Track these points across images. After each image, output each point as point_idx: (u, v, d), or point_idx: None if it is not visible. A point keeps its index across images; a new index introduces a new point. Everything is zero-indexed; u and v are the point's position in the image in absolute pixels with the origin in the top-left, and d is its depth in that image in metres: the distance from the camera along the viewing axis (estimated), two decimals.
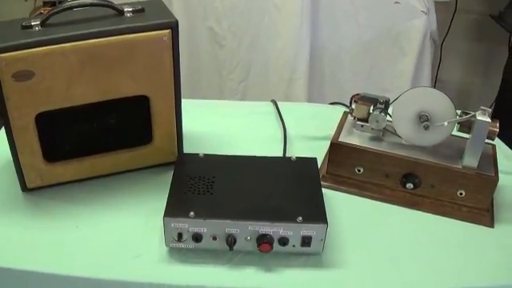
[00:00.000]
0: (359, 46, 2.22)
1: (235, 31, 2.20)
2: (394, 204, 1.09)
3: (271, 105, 1.40)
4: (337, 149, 1.10)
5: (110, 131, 1.07)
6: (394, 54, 2.25)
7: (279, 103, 1.38)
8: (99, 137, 1.06)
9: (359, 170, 1.11)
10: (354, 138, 1.12)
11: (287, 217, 0.93)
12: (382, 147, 1.09)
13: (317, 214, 0.94)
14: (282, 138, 1.24)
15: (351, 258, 0.96)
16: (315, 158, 1.08)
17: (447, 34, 2.61)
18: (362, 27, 2.19)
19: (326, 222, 0.92)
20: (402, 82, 2.23)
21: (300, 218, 0.92)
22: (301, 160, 1.08)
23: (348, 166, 1.10)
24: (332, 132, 1.13)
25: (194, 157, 1.08)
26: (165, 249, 0.95)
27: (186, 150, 1.13)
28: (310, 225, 0.92)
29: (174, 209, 0.94)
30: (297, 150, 1.20)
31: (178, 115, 1.08)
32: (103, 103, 0.99)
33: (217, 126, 1.30)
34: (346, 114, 1.22)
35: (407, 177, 1.07)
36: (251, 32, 2.19)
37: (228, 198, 0.97)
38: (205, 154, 1.08)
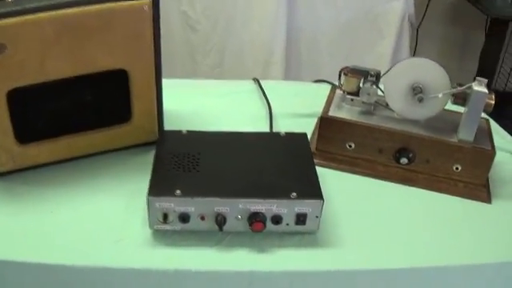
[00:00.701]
0: (337, 28, 2.17)
1: (209, 15, 2.14)
2: (387, 180, 1.05)
3: (253, 83, 1.35)
4: (327, 124, 1.05)
5: (86, 109, 1.00)
6: (373, 36, 2.22)
7: (262, 81, 1.33)
8: (75, 115, 1.00)
9: (350, 146, 1.06)
10: (344, 113, 1.07)
11: (280, 193, 0.87)
12: (373, 121, 1.05)
13: (311, 189, 0.88)
14: (267, 116, 1.19)
15: (347, 236, 0.91)
16: (305, 133, 1.03)
17: (423, 17, 2.58)
18: (339, 9, 2.15)
19: (322, 198, 0.87)
20: (381, 65, 2.18)
21: (294, 194, 0.86)
22: (290, 135, 1.02)
23: (338, 141, 1.06)
24: (319, 109, 1.08)
25: (177, 133, 1.01)
26: (148, 232, 0.89)
27: (168, 129, 1.08)
28: (305, 201, 0.86)
29: (158, 187, 0.87)
30: (283, 128, 1.14)
31: (158, 91, 1.02)
32: (79, 78, 0.93)
33: (198, 104, 1.24)
34: (334, 88, 1.17)
35: (401, 152, 1.03)
36: (226, 15, 2.13)
37: (216, 174, 0.91)
38: (188, 131, 1.01)
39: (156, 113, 1.04)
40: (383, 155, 1.04)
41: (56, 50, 0.91)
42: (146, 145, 1.06)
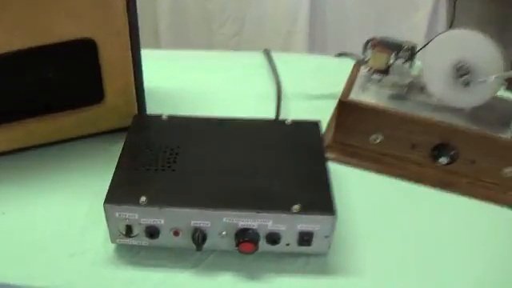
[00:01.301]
0: None
1: None
2: (421, 184, 0.85)
3: (263, 56, 1.14)
4: (347, 109, 0.86)
5: (47, 87, 0.84)
6: (406, 7, 1.99)
7: (274, 54, 1.13)
8: (35, 95, 0.83)
9: (376, 139, 0.86)
10: (370, 96, 0.87)
11: (279, 204, 0.67)
12: (406, 108, 0.84)
13: (321, 200, 0.68)
14: (276, 97, 0.95)
15: (367, 261, 0.72)
16: (317, 122, 0.81)
17: None
18: None
19: (334, 213, 0.65)
20: (416, 37, 1.95)
21: (296, 207, 0.65)
22: (298, 124, 0.81)
23: (362, 132, 0.86)
24: (339, 89, 0.88)
25: (155, 119, 0.81)
26: (111, 246, 0.72)
27: (153, 111, 0.89)
28: (312, 216, 0.66)
29: (119, 192, 0.68)
30: (294, 112, 0.96)
31: (136, 65, 0.84)
32: (36, 51, 0.77)
33: (192, 81, 1.06)
34: (358, 64, 0.95)
35: (440, 148, 0.83)
36: None
37: (196, 176, 0.71)
38: (169, 116, 0.80)
39: (134, 91, 0.87)
40: (417, 152, 0.85)
41: (3, 17, 0.74)
42: (123, 130, 0.85)
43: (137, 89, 0.86)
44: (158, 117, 0.81)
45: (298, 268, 0.70)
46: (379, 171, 0.86)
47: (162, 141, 0.76)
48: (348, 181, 0.83)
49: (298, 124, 0.81)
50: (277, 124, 0.84)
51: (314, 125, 0.81)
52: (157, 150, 0.75)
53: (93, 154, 0.87)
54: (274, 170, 0.72)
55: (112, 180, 0.69)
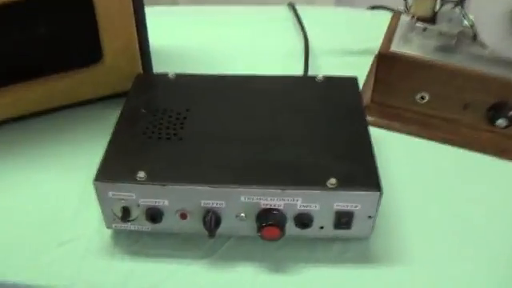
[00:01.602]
0: None
1: None
2: (475, 150, 0.74)
3: (287, 10, 1.03)
4: (388, 63, 0.74)
5: (37, 46, 0.73)
6: None
7: (299, 7, 1.02)
8: (23, 56, 0.73)
9: (423, 98, 0.75)
10: (413, 48, 0.74)
11: (310, 178, 0.54)
12: (456, 62, 0.72)
13: (362, 172, 0.55)
14: (302, 53, 0.82)
15: (414, 245, 0.60)
16: (355, 77, 0.68)
17: None
18: None
19: (379, 188, 0.52)
20: None
21: (333, 182, 0.53)
22: (332, 80, 0.68)
23: (405, 91, 0.75)
24: (374, 44, 0.77)
25: (160, 78, 0.69)
26: (106, 232, 0.60)
27: (159, 72, 0.76)
28: (352, 193, 0.53)
29: (113, 167, 0.56)
30: (324, 70, 0.83)
31: (139, 20, 0.73)
32: (24, 3, 0.67)
33: (212, 38, 0.94)
34: (397, 13, 0.83)
35: (496, 108, 0.72)
36: None
37: (208, 145, 0.58)
38: (177, 74, 0.68)
39: (137, 49, 0.75)
40: (470, 113, 0.74)
41: None
42: (124, 95, 0.73)
43: (141, 47, 0.75)
44: (164, 76, 0.69)
45: (334, 256, 0.58)
46: (425, 136, 0.75)
47: (168, 103, 0.64)
48: (389, 148, 0.69)
49: (331, 81, 0.68)
50: (306, 81, 0.71)
51: (351, 81, 0.68)
52: (161, 114, 0.62)
53: (89, 123, 0.75)
54: (304, 136, 0.59)
55: (105, 152, 0.57)
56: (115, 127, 0.61)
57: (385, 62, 0.74)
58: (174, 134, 0.59)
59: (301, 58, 0.86)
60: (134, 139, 0.59)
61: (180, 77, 0.68)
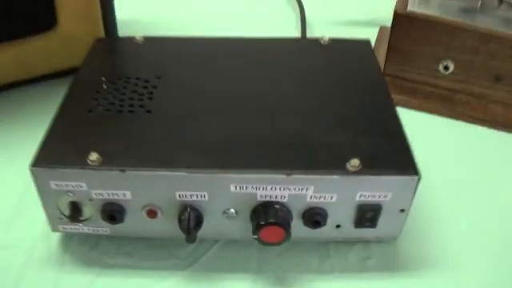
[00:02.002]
0: None
1: None
2: (508, 132, 0.63)
3: None
4: (405, 25, 0.62)
5: None
6: None
7: None
8: None
9: (447, 68, 0.63)
10: (434, 8, 0.64)
11: (325, 159, 0.40)
12: (484, 23, 0.61)
13: (392, 151, 0.42)
14: (296, 24, 0.69)
15: (447, 248, 0.47)
16: (368, 40, 0.54)
17: None
18: None
19: (417, 171, 0.39)
20: None
21: (355, 163, 0.38)
22: (340, 43, 0.54)
23: (426, 59, 0.63)
24: (379, 15, 0.73)
25: (126, 42, 0.55)
26: (54, 237, 0.47)
27: None
28: (381, 178, 0.39)
29: (56, 148, 0.41)
30: None
31: None
32: None
33: (185, 5, 0.81)
34: None
35: None
36: None
37: (185, 120, 0.44)
38: (146, 37, 0.53)
39: (99, 13, 0.64)
40: (503, 86, 0.63)
41: None
42: None
43: (103, 10, 0.64)
44: (130, 39, 0.55)
45: (352, 264, 0.45)
46: (449, 114, 0.64)
47: (134, 70, 0.50)
48: (406, 129, 0.55)
49: (339, 43, 0.54)
50: (308, 44, 0.57)
51: (364, 44, 0.55)
52: (124, 82, 0.48)
53: (40, 103, 0.62)
54: (313, 107, 0.46)
55: (48, 130, 0.43)
56: (64, 99, 0.47)
57: (401, 24, 0.63)
58: (141, 106, 0.45)
59: (294, 29, 0.72)
60: (87, 114, 0.44)
61: (150, 40, 0.54)
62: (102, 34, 0.65)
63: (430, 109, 0.64)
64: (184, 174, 0.39)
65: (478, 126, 0.62)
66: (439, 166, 0.54)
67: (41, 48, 0.63)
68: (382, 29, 0.74)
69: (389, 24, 0.73)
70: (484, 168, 0.56)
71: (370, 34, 0.69)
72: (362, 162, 0.39)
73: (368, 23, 0.77)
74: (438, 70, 0.63)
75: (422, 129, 0.59)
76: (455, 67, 0.62)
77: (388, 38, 0.66)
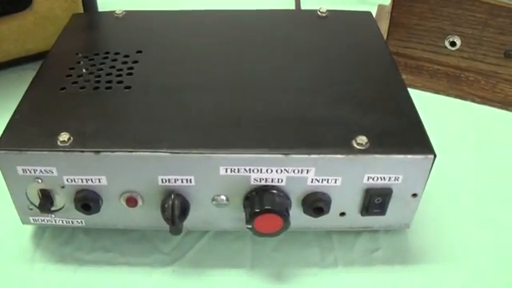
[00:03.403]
0: None
1: None
2: None
3: None
4: None
5: None
6: None
7: None
8: None
9: (453, 44, 0.59)
10: None
11: (328, 137, 0.35)
12: None
13: (404, 127, 0.37)
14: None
15: (459, 238, 0.42)
16: (369, 13, 0.49)
17: None
18: None
19: (432, 150, 0.34)
20: None
21: (362, 140, 0.34)
22: (339, 14, 0.49)
23: (431, 34, 0.59)
24: None
25: (105, 16, 0.49)
26: (25, 230, 0.42)
27: None
28: (392, 156, 0.34)
29: (23, 129, 0.36)
30: None
31: None
32: None
33: None
34: None
35: None
36: None
37: (168, 96, 0.39)
38: (127, 11, 0.48)
39: None
40: None
41: None
42: None
43: None
44: (110, 14, 0.50)
45: (357, 257, 0.40)
46: (456, 94, 0.60)
47: (113, 45, 0.45)
48: None
49: (338, 15, 0.49)
50: (304, 15, 0.51)
51: (365, 16, 0.50)
52: (102, 58, 0.43)
53: (15, 89, 0.55)
54: (313, 81, 0.41)
55: (16, 110, 0.37)
56: (34, 77, 0.42)
57: None
58: (119, 82, 0.40)
59: (286, 2, 0.67)
60: (59, 92, 0.39)
61: (131, 14, 0.50)
62: (80, 11, 0.60)
63: (435, 88, 0.60)
64: (167, 154, 0.34)
65: (487, 107, 0.59)
66: (447, 149, 0.49)
67: (15, 29, 0.59)
68: (380, 7, 0.70)
69: (386, 2, 0.68)
70: (494, 151, 0.51)
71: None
72: (370, 139, 0.34)
73: (364, 1, 0.72)
74: (444, 47, 0.59)
75: (426, 110, 0.53)
76: (462, 43, 0.58)
77: (387, 16, 0.62)
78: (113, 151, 0.34)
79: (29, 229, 0.41)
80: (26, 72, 0.59)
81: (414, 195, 0.37)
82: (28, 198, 0.37)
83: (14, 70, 0.60)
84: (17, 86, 0.57)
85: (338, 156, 0.34)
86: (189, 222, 0.36)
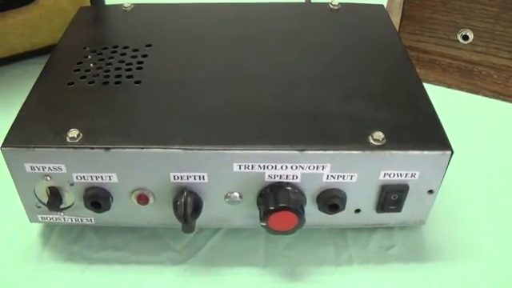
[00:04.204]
0: None
1: None
2: None
3: None
4: None
5: None
6: None
7: None
8: None
9: (466, 38, 0.57)
10: None
11: (344, 133, 0.35)
12: None
13: (420, 123, 0.36)
14: None
15: (478, 235, 0.41)
16: (382, 6, 0.48)
17: None
18: None
19: (449, 146, 0.34)
20: None
21: (379, 136, 0.33)
22: (352, 8, 0.49)
23: (443, 28, 0.58)
24: None
25: (112, 10, 0.49)
26: (33, 228, 0.41)
27: None
28: (409, 153, 0.34)
29: (31, 125, 0.36)
30: None
31: None
32: None
33: None
34: None
35: None
36: None
37: (180, 91, 0.38)
38: (135, 5, 0.47)
39: None
40: None
41: None
42: None
43: None
44: (117, 7, 0.49)
45: (372, 254, 0.39)
46: (469, 89, 0.59)
47: (122, 39, 0.45)
48: None
49: (351, 8, 0.49)
50: (316, 8, 0.50)
51: (377, 9, 0.49)
52: (111, 52, 0.42)
53: (21, 83, 0.54)
54: (328, 76, 0.40)
55: (23, 106, 0.37)
56: (42, 72, 0.41)
57: None
58: (129, 77, 0.39)
59: None
60: (68, 87, 0.39)
61: (140, 7, 0.49)
62: (87, 4, 0.59)
63: (447, 82, 0.59)
64: (180, 151, 0.33)
65: (500, 101, 0.58)
66: (460, 144, 0.48)
67: (21, 23, 0.58)
68: None
69: None
70: (507, 145, 0.50)
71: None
72: (386, 134, 0.33)
73: None
74: (457, 40, 0.58)
75: (438, 104, 0.53)
76: (475, 37, 0.57)
77: (399, 8, 0.61)
78: (124, 148, 0.33)
79: (37, 227, 0.41)
80: (32, 66, 0.59)
81: (430, 192, 0.36)
82: (36, 196, 0.36)
83: (20, 64, 0.60)
84: (23, 80, 0.57)
85: (355, 152, 0.33)
86: (201, 220, 0.35)
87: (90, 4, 0.60)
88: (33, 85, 0.40)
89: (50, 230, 0.40)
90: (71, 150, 0.33)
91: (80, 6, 0.52)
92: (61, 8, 0.58)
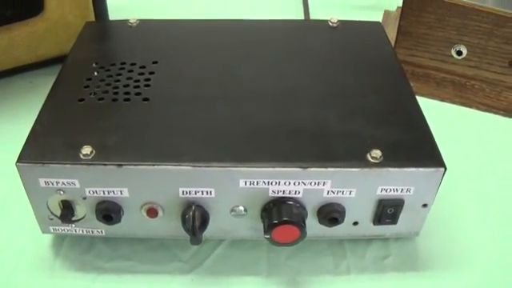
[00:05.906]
0: None
1: None
2: None
3: None
4: (417, 6, 0.58)
5: None
6: None
7: None
8: None
9: (459, 53, 0.59)
10: None
11: (343, 151, 0.36)
12: (500, 5, 0.57)
13: (415, 141, 0.38)
14: (296, 4, 0.65)
15: (472, 245, 0.44)
16: (379, 23, 0.50)
17: None
18: None
19: (443, 163, 0.36)
20: None
21: (376, 154, 0.35)
22: (350, 25, 0.50)
23: (438, 43, 0.60)
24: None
25: (119, 25, 0.51)
26: (44, 239, 0.42)
27: None
28: (405, 170, 0.36)
29: (44, 142, 0.37)
30: None
31: None
32: None
33: None
34: None
35: None
36: None
37: (187, 107, 0.40)
38: (141, 20, 0.49)
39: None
40: None
41: None
42: None
43: None
44: (123, 22, 0.50)
45: (369, 264, 0.41)
46: (462, 102, 0.61)
47: (128, 55, 0.46)
48: None
49: (349, 25, 0.51)
50: (315, 26, 0.52)
51: (375, 26, 0.51)
52: (118, 69, 0.44)
53: (27, 94, 0.59)
54: (327, 94, 0.42)
55: (35, 122, 0.38)
56: (52, 88, 0.42)
57: (412, 6, 0.58)
58: (137, 94, 0.41)
59: (293, 11, 0.68)
60: (79, 103, 0.40)
61: (145, 23, 0.50)
62: (92, 18, 0.61)
63: (441, 96, 0.61)
64: (188, 168, 0.35)
65: (492, 115, 0.59)
66: (453, 157, 0.50)
67: (27, 35, 0.59)
68: (386, 13, 0.70)
69: (392, 8, 0.69)
70: (499, 158, 0.52)
71: (373, 19, 0.66)
72: (383, 152, 0.35)
73: (370, 7, 0.73)
74: (451, 55, 0.59)
75: (432, 117, 0.55)
76: (468, 52, 0.59)
77: (393, 22, 0.63)
78: (135, 164, 0.35)
79: (48, 237, 0.42)
80: (37, 78, 0.60)
81: (425, 205, 0.38)
82: (49, 209, 0.38)
83: (26, 75, 0.61)
84: (29, 92, 0.59)
85: (354, 169, 0.35)
86: (207, 231, 0.37)
87: (94, 18, 0.62)
88: (44, 99, 0.41)
89: (60, 241, 0.42)
90: (85, 166, 0.35)
91: (86, 21, 0.54)
92: (66, 21, 0.59)
